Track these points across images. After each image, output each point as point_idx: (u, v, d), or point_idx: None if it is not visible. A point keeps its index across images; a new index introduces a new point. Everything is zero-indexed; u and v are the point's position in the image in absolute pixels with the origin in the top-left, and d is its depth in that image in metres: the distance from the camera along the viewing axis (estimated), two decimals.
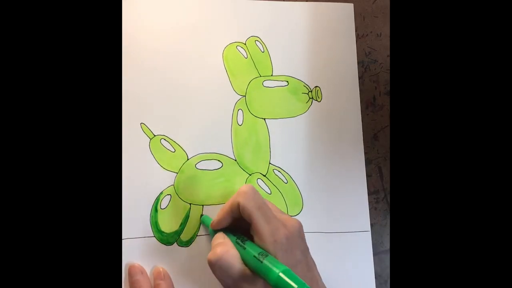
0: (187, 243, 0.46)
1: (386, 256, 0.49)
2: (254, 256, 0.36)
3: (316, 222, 0.48)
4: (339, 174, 0.49)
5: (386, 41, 0.54)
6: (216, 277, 0.39)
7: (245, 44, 0.51)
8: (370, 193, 0.51)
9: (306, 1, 0.53)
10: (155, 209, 0.46)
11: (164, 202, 0.47)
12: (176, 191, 0.47)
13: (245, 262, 0.38)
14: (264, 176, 0.48)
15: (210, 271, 0.41)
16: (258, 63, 0.51)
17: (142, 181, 0.47)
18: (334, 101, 0.51)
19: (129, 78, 0.49)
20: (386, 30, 0.54)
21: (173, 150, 0.47)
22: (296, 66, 0.52)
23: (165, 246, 0.46)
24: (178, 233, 0.46)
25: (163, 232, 0.46)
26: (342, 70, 0.51)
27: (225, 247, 0.38)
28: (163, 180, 0.48)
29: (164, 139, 0.48)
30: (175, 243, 0.46)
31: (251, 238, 0.40)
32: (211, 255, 0.38)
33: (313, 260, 0.40)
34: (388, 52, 0.53)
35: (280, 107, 0.50)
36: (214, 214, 0.46)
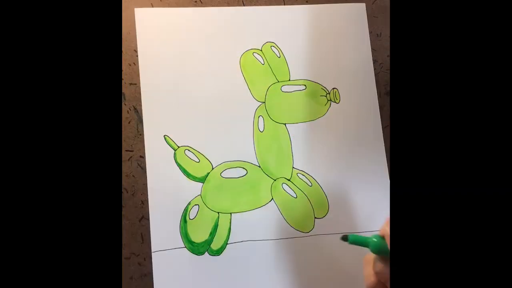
0: (218, 252, 0.47)
1: None
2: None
3: (343, 222, 0.49)
4: (362, 173, 0.50)
5: (386, 41, 0.54)
6: None
7: (261, 50, 0.52)
8: None
9: (319, 3, 0.53)
10: (184, 219, 0.47)
11: (193, 213, 0.48)
12: (204, 201, 0.48)
13: None
14: (289, 180, 0.49)
15: (241, 278, 0.44)
16: (275, 68, 0.51)
17: (169, 193, 0.47)
18: (352, 101, 0.51)
19: (148, 91, 0.49)
20: (386, 30, 0.54)
21: (198, 160, 0.48)
22: (313, 69, 0.52)
23: (196, 256, 0.47)
24: (208, 242, 0.47)
25: (194, 242, 0.47)
26: (358, 69, 0.52)
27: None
28: (190, 190, 0.48)
29: (188, 150, 0.48)
30: (206, 253, 0.47)
31: None
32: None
33: None
34: (388, 52, 0.54)
35: (299, 111, 0.51)
36: (243, 221, 0.48)
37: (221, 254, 0.47)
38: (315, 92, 0.51)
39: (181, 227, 0.46)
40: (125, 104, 0.48)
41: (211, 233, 0.47)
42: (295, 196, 0.48)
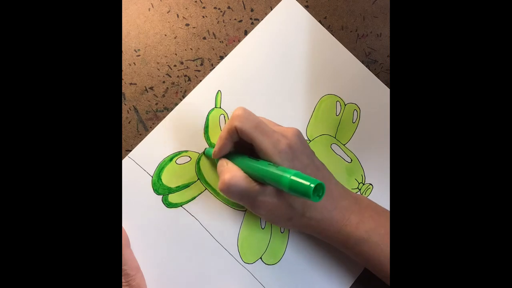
0: (169, 205, 0.48)
1: None
2: (264, 168, 0.37)
3: None
4: None
5: (386, 41, 0.52)
6: (230, 199, 0.41)
7: (345, 104, 0.52)
8: None
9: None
10: (170, 158, 0.48)
11: (181, 160, 0.48)
12: (197, 161, 0.49)
13: (254, 178, 0.39)
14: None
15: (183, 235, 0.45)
16: (342, 127, 0.51)
17: (182, 130, 0.49)
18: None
19: (236, 55, 0.51)
20: (386, 30, 0.52)
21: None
22: (369, 153, 0.52)
23: (152, 192, 0.47)
24: (170, 190, 0.48)
25: (161, 180, 0.47)
26: None
27: (230, 172, 0.40)
28: (197, 145, 0.49)
29: (224, 116, 0.50)
30: (161, 198, 0.47)
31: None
32: (220, 185, 0.40)
33: (320, 162, 0.43)
34: (388, 52, 0.52)
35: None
36: (209, 203, 0.48)
37: (169, 208, 0.48)
38: (355, 172, 0.51)
39: (163, 160, 0.48)
40: (125, 104, 0.49)
41: (178, 187, 0.48)
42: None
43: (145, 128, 0.48)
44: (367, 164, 0.51)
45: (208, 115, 0.49)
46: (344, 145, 0.51)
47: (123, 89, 0.48)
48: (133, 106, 0.49)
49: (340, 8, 0.53)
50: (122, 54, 0.49)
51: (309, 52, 0.51)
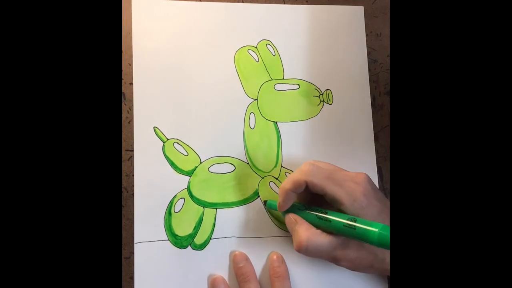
0: (201, 247, 0.47)
1: None
2: (344, 225, 0.37)
3: None
4: None
5: (386, 41, 0.54)
6: (310, 256, 0.41)
7: (256, 47, 0.51)
8: None
9: (318, 4, 0.53)
10: (169, 212, 0.47)
11: (178, 206, 0.48)
12: (190, 194, 0.48)
13: (333, 231, 0.39)
14: (276, 179, 0.49)
15: (223, 274, 0.46)
16: (269, 66, 0.51)
17: (156, 185, 0.48)
18: (345, 104, 0.51)
19: (141, 82, 0.49)
20: (386, 30, 0.54)
21: (186, 154, 0.48)
22: (307, 69, 0.52)
23: (179, 249, 0.47)
24: (192, 236, 0.47)
25: (177, 235, 0.47)
26: (353, 72, 0.52)
27: (305, 233, 0.40)
28: (177, 183, 0.48)
29: (177, 143, 0.48)
30: (189, 247, 0.47)
31: (323, 205, 0.42)
32: (297, 247, 0.40)
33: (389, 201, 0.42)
34: (388, 52, 0.54)
35: (291, 111, 0.51)
36: (228, 217, 0.48)
37: (204, 249, 0.47)
38: (308, 92, 0.51)
39: (165, 220, 0.47)
40: (125, 104, 0.48)
41: (195, 227, 0.47)
42: None
43: None
44: (313, 78, 0.53)
45: (164, 153, 0.49)
46: (283, 78, 0.51)
47: (123, 89, 0.48)
48: (133, 106, 0.48)
49: None
50: (122, 54, 0.48)
51: (188, 31, 0.51)
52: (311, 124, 0.50)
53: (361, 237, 0.36)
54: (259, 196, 0.48)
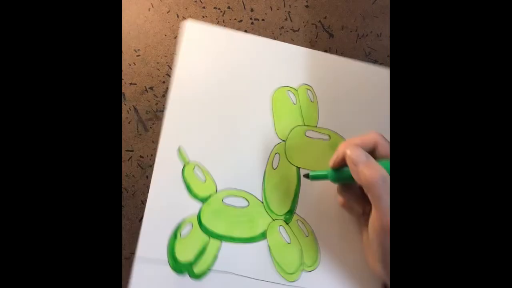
0: (199, 276, 0.47)
1: None
2: None
3: (330, 280, 0.49)
4: (360, 239, 0.49)
5: (386, 41, 0.53)
6: (377, 197, 0.37)
7: (296, 90, 0.51)
8: None
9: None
10: (174, 235, 0.47)
11: (185, 231, 0.47)
12: (199, 222, 0.47)
13: None
14: (287, 224, 0.48)
15: None
16: (305, 111, 0.51)
17: (167, 205, 0.47)
18: None
19: (176, 101, 0.49)
20: (386, 30, 0.53)
21: (204, 180, 0.47)
22: (342, 123, 0.51)
23: (176, 274, 0.46)
24: (191, 264, 0.46)
25: (178, 260, 0.46)
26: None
27: (379, 168, 0.38)
28: (188, 207, 0.48)
29: (198, 166, 0.48)
30: (187, 274, 0.46)
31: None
32: (371, 173, 0.38)
33: None
34: (388, 52, 0.53)
35: (317, 160, 0.50)
36: (232, 252, 0.48)
37: (201, 279, 0.46)
38: (337, 145, 0.50)
39: (169, 241, 0.46)
40: (125, 104, 0.49)
41: (197, 255, 0.46)
42: (289, 242, 0.48)
43: (145, 128, 0.48)
44: (345, 132, 0.52)
45: (183, 176, 0.48)
46: (316, 126, 0.50)
47: (123, 89, 0.48)
48: (133, 106, 0.49)
49: (340, 8, 0.53)
50: (122, 54, 0.48)
51: (233, 61, 0.51)
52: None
53: None
54: (266, 238, 0.47)
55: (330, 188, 0.50)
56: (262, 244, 0.48)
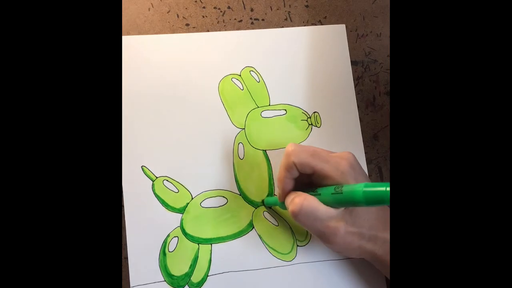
0: (199, 285, 0.46)
1: None
2: (332, 193, 0.38)
3: (325, 249, 0.49)
4: None
5: (386, 41, 0.54)
6: (304, 226, 0.41)
7: (239, 75, 0.50)
8: None
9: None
10: (163, 252, 0.46)
11: (172, 245, 0.47)
12: (183, 232, 0.47)
13: (325, 204, 0.39)
14: (270, 208, 0.48)
15: None
16: (254, 94, 0.50)
17: (147, 225, 0.46)
18: (333, 125, 0.51)
19: (128, 122, 0.48)
20: (386, 30, 0.54)
21: (177, 191, 0.47)
22: (293, 93, 0.51)
23: None
24: (188, 275, 0.46)
25: (173, 275, 0.46)
26: (339, 92, 0.51)
27: (301, 196, 0.40)
28: (169, 222, 0.47)
29: (167, 180, 0.47)
30: (186, 286, 0.46)
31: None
32: (292, 207, 0.40)
33: None
34: (388, 52, 0.53)
35: (279, 137, 0.50)
36: (224, 252, 0.47)
37: (202, 287, 0.46)
38: (295, 116, 0.50)
39: (160, 260, 0.46)
40: None
41: (191, 265, 0.46)
42: (277, 224, 0.48)
43: None
44: (299, 102, 0.52)
45: (154, 192, 0.47)
46: (269, 105, 0.50)
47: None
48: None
49: (340, 7, 0.53)
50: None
51: (173, 66, 0.51)
52: None
53: (349, 201, 0.36)
54: (253, 227, 0.47)
55: None
56: (251, 234, 0.48)
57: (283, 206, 0.44)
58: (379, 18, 0.54)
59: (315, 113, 0.50)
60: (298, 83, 0.51)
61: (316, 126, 0.50)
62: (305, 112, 0.50)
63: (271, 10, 0.52)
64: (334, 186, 0.38)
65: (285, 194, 0.43)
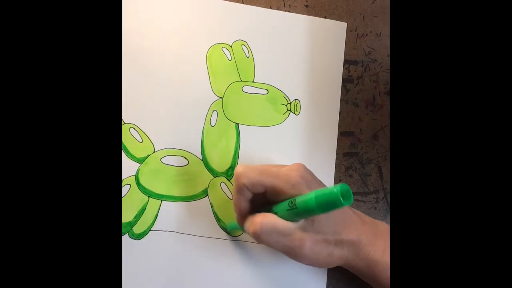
0: (139, 236, 0.46)
1: None
2: (288, 209, 0.37)
3: None
4: None
5: (386, 41, 0.53)
6: (269, 245, 0.39)
7: (231, 46, 0.51)
8: (369, 193, 0.52)
9: (301, 13, 0.52)
10: None
11: (123, 192, 0.47)
12: (137, 182, 0.47)
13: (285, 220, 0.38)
14: (229, 180, 0.48)
15: (159, 267, 0.45)
16: (241, 67, 0.50)
17: None
18: (312, 117, 0.50)
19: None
20: (386, 30, 0.54)
21: (141, 141, 0.47)
22: (279, 76, 0.51)
23: None
24: (131, 224, 0.46)
25: None
26: (326, 87, 0.51)
27: (259, 215, 0.39)
28: (125, 169, 0.47)
29: (134, 128, 0.47)
30: (127, 235, 0.46)
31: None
32: (253, 227, 0.38)
33: None
34: (388, 52, 0.53)
35: (255, 115, 0.50)
36: (172, 211, 0.48)
37: (141, 239, 0.46)
38: (276, 99, 0.50)
39: None
40: None
41: (136, 215, 0.46)
42: (231, 198, 0.47)
43: None
44: (283, 85, 0.52)
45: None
46: (253, 82, 0.50)
47: None
48: None
49: (340, 7, 0.53)
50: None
51: (166, 22, 0.51)
52: (274, 131, 0.49)
53: (305, 211, 0.35)
54: (207, 195, 0.47)
55: (270, 142, 0.50)
56: (203, 201, 0.48)
57: (244, 230, 0.43)
58: (379, 18, 0.54)
59: (296, 100, 0.50)
60: (287, 67, 0.51)
61: (295, 113, 0.50)
62: (286, 97, 0.50)
63: (271, 9, 0.52)
64: (288, 201, 0.37)
65: (243, 218, 0.42)
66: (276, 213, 0.39)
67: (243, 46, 0.51)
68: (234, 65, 0.50)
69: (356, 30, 0.53)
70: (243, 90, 0.50)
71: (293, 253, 0.39)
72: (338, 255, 0.40)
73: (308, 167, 0.42)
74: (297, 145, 0.50)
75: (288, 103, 0.50)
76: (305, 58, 0.51)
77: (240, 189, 0.40)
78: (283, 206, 0.38)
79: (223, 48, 0.50)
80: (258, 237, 0.39)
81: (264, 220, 0.38)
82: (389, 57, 0.53)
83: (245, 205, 0.41)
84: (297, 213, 0.36)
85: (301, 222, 0.39)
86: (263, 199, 0.41)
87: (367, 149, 0.51)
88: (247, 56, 0.50)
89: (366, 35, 0.53)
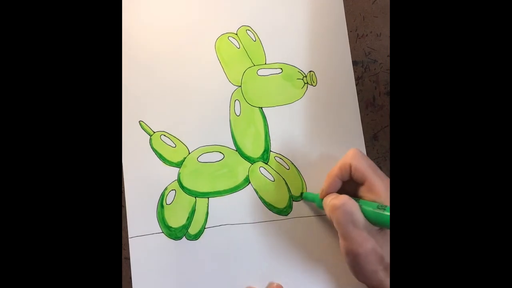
0: (196, 236, 0.47)
1: None
2: (374, 209, 0.38)
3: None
4: (340, 155, 0.49)
5: (386, 41, 0.54)
6: (336, 223, 0.40)
7: (236, 34, 0.51)
8: None
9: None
10: (161, 205, 0.47)
11: (169, 198, 0.48)
12: (180, 186, 0.48)
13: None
14: (266, 164, 0.49)
15: (220, 262, 0.46)
16: (250, 52, 0.51)
17: (145, 179, 0.48)
18: (329, 84, 0.51)
19: (127, 77, 0.49)
20: (386, 30, 0.54)
21: (174, 146, 0.48)
22: (289, 52, 0.52)
23: (173, 241, 0.47)
24: (186, 227, 0.47)
25: (171, 227, 0.47)
26: (334, 52, 0.52)
27: (346, 196, 0.41)
28: (166, 176, 0.48)
29: (164, 135, 0.48)
30: (184, 237, 0.47)
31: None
32: (335, 201, 0.40)
33: None
34: (388, 52, 0.53)
35: (276, 95, 0.51)
36: (221, 205, 0.48)
37: (199, 239, 0.47)
38: (291, 75, 0.51)
39: (158, 213, 0.47)
40: None
41: (188, 217, 0.47)
42: (273, 180, 0.49)
43: None
44: (295, 61, 0.52)
45: (152, 146, 0.49)
46: (265, 63, 0.51)
47: None
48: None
49: None
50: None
51: (169, 25, 0.51)
52: (297, 107, 0.50)
53: (387, 221, 0.37)
54: (250, 182, 0.48)
55: (296, 117, 0.51)
56: (248, 189, 0.49)
57: (320, 204, 0.45)
58: (379, 18, 0.54)
59: (311, 72, 0.51)
60: (294, 42, 0.52)
61: (312, 84, 0.51)
62: (300, 71, 0.51)
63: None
64: (377, 204, 0.39)
65: (327, 193, 0.44)
66: (360, 206, 0.40)
67: (247, 31, 0.51)
68: (243, 52, 0.51)
69: (356, 30, 0.54)
70: (258, 73, 0.51)
71: (349, 245, 0.40)
72: (380, 279, 0.39)
73: (335, 135, 0.46)
74: (322, 115, 0.52)
75: (303, 76, 0.51)
76: (309, 29, 0.52)
77: (344, 167, 0.42)
78: (372, 205, 0.40)
79: (229, 37, 0.51)
80: (334, 211, 0.40)
81: (349, 202, 0.40)
82: (389, 58, 0.53)
83: (337, 182, 0.43)
84: (381, 217, 0.38)
85: (375, 228, 0.40)
86: (352, 192, 0.43)
87: (367, 149, 0.52)
88: (254, 40, 0.51)
89: (366, 35, 0.54)
